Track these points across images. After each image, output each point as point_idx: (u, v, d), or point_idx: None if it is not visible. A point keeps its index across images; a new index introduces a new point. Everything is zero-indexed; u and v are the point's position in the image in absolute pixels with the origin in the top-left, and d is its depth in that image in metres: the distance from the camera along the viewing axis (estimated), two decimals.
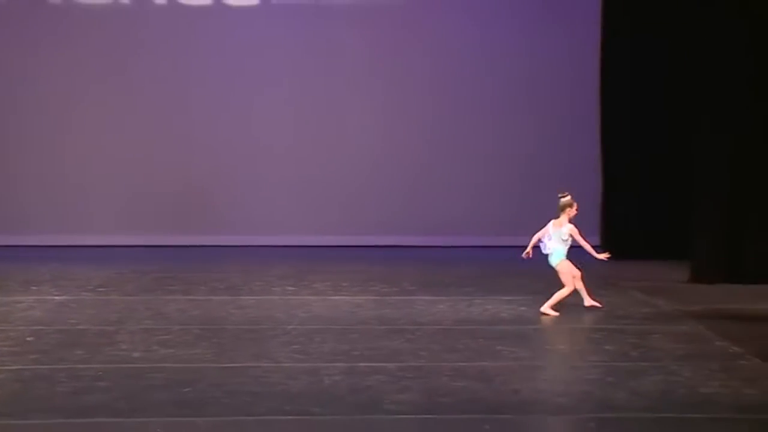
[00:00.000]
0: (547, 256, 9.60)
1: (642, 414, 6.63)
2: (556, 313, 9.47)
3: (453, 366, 7.77)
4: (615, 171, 13.08)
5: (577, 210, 9.49)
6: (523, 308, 9.91)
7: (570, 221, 9.53)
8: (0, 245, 13.28)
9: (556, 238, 9.50)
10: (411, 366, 7.76)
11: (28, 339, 8.54)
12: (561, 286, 9.58)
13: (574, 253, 9.79)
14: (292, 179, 13.96)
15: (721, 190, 11.52)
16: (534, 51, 13.66)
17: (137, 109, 13.86)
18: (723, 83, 11.46)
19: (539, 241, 9.62)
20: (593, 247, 9.78)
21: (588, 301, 9.70)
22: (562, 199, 9.53)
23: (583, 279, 9.75)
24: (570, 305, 9.87)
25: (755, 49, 11.23)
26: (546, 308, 9.50)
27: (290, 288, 10.98)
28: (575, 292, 9.68)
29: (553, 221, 9.58)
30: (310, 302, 10.24)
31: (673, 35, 12.74)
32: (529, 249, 9.70)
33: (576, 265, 9.69)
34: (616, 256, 12.62)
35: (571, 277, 9.54)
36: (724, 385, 7.29)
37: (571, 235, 9.52)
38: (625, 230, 12.96)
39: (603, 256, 9.61)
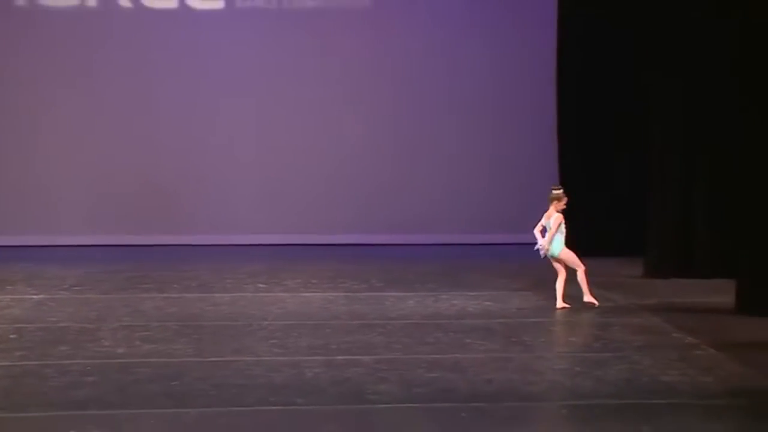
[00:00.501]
0: (537, 252, 9.80)
1: (609, 401, 6.97)
2: (566, 306, 9.69)
3: (426, 358, 8.06)
4: (571, 172, 13.21)
5: (565, 205, 9.71)
6: (488, 303, 10.21)
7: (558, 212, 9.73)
8: None
9: (549, 229, 9.72)
10: (386, 358, 8.04)
11: (12, 336, 8.69)
12: (552, 277, 9.85)
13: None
14: (258, 179, 14.08)
15: (673, 192, 11.87)
16: (495, 56, 13.91)
17: (103, 110, 13.88)
18: (673, 88, 11.78)
19: (542, 233, 9.76)
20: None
21: (560, 303, 9.81)
22: (553, 192, 9.79)
23: (566, 279, 9.92)
24: (537, 301, 10.25)
25: (717, 51, 11.52)
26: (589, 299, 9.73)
27: (262, 285, 11.15)
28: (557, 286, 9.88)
29: (545, 214, 9.80)
30: (282, 299, 10.45)
31: (629, 37, 12.93)
32: (541, 242, 9.80)
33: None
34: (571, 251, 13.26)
35: (578, 260, 9.72)
36: (682, 373, 7.67)
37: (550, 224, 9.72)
38: (581, 228, 13.21)
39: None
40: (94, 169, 13.87)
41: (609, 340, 8.71)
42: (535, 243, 9.91)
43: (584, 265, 9.93)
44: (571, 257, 9.85)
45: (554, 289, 9.95)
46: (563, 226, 9.82)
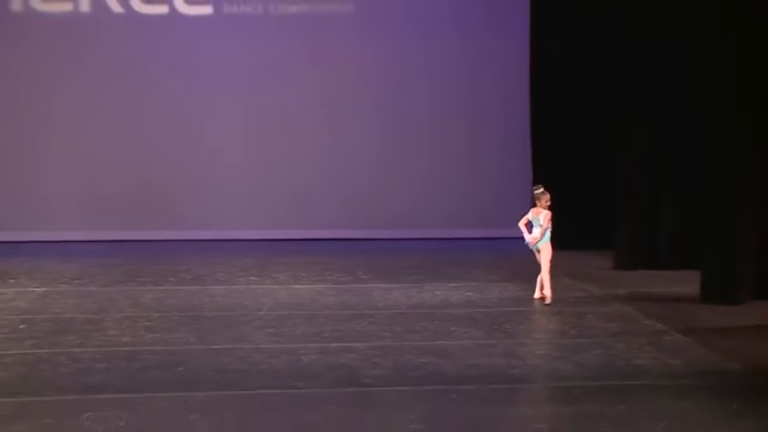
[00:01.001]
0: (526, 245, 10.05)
1: (587, 383, 7.31)
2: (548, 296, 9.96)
3: (416, 345, 8.36)
4: (544, 170, 13.32)
5: (548, 201, 9.95)
6: (469, 293, 10.49)
7: (548, 208, 9.99)
8: None
9: (536, 225, 9.98)
10: (378, 345, 8.33)
11: (21, 327, 8.90)
12: (529, 269, 10.19)
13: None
14: (245, 177, 14.19)
15: (640, 187, 12.14)
16: (470, 60, 14.11)
17: (98, 111, 13.97)
18: (642, 90, 12.02)
19: (527, 226, 9.98)
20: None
21: (538, 294, 10.06)
22: (535, 191, 10.11)
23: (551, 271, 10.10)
24: (515, 291, 10.57)
25: (682, 56, 11.70)
26: (539, 294, 9.98)
27: (253, 278, 11.34)
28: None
29: (532, 209, 10.04)
30: (274, 291, 10.66)
31: (601, 38, 13.19)
32: (527, 237, 10.01)
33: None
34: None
35: (549, 261, 9.96)
36: (653, 357, 8.03)
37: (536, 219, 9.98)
38: (553, 222, 13.43)
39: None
40: (88, 168, 13.96)
41: (585, 327, 9.03)
42: (521, 236, 10.07)
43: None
44: (546, 255, 10.06)
45: (531, 280, 10.27)
46: (544, 220, 10.05)
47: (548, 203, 10.03)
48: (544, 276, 10.05)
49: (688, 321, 9.25)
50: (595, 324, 9.15)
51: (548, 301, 9.95)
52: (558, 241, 13.33)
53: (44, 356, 7.96)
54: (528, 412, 6.76)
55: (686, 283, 10.69)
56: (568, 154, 13.49)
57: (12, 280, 11.03)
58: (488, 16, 14.18)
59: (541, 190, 10.07)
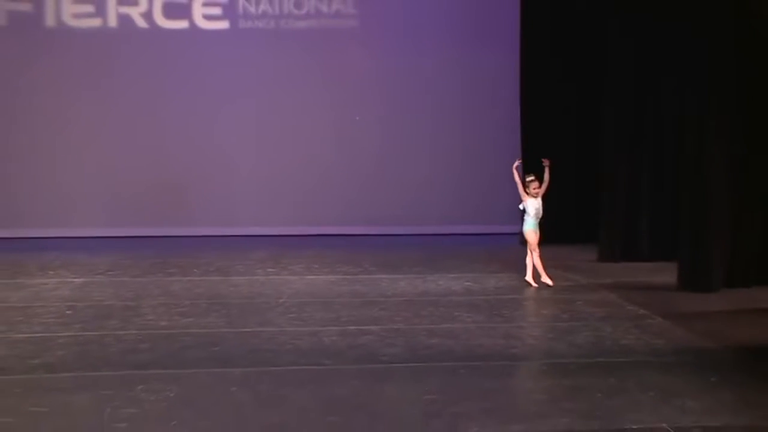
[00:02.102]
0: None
1: (580, 360, 7.71)
2: (550, 282, 10.50)
3: (425, 328, 8.76)
4: (533, 171, 13.74)
5: (535, 188, 10.52)
6: (468, 283, 10.89)
7: (534, 197, 10.53)
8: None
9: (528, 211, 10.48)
10: (391, 328, 8.73)
11: (67, 312, 9.28)
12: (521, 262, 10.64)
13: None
14: (258, 178, 14.50)
15: (622, 186, 12.51)
16: (464, 68, 14.47)
17: (122, 117, 14.29)
18: (624, 91, 12.34)
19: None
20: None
21: (529, 276, 10.59)
22: (526, 179, 10.61)
23: (541, 257, 10.65)
24: (510, 281, 10.97)
25: (663, 58, 12.07)
26: (545, 278, 10.48)
27: (270, 270, 11.70)
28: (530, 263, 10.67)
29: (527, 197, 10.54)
30: (291, 281, 11.03)
31: (586, 47, 13.59)
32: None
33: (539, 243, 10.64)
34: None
35: (535, 244, 10.47)
36: (637, 337, 8.44)
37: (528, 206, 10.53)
38: (542, 219, 13.78)
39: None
40: (113, 169, 14.27)
41: (575, 312, 9.44)
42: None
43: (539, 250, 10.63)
44: (531, 239, 10.53)
45: (524, 272, 10.72)
46: (537, 210, 10.50)
47: (536, 191, 10.47)
48: (536, 261, 10.51)
49: (668, 306, 9.65)
50: (584, 309, 9.56)
51: (550, 282, 10.44)
52: (546, 235, 13.82)
53: (93, 338, 8.35)
54: (528, 384, 7.17)
55: (664, 273, 11.11)
56: (555, 156, 13.51)
57: (51, 272, 11.35)
58: (481, 27, 14.49)
59: (531, 178, 10.52)
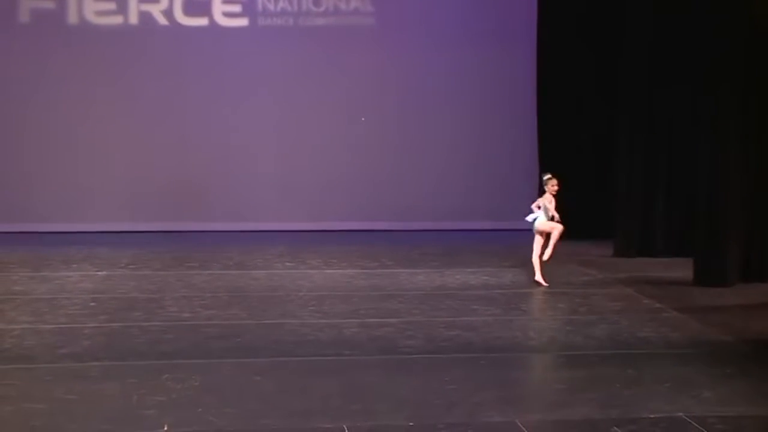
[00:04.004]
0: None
1: (597, 351, 7.84)
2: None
3: (444, 320, 8.86)
4: (550, 169, 13.78)
5: (554, 186, 10.38)
6: (485, 277, 10.95)
7: (552, 194, 10.46)
8: (21, 232, 13.72)
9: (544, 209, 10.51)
10: (410, 321, 8.83)
11: (92, 304, 9.41)
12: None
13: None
14: (276, 174, 14.51)
15: (637, 183, 12.53)
16: (480, 64, 14.43)
17: (143, 114, 14.32)
18: (640, 91, 12.37)
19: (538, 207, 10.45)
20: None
21: (538, 276, 10.50)
22: (543, 178, 10.64)
23: (540, 257, 10.56)
24: (527, 276, 11.01)
25: (680, 61, 12.06)
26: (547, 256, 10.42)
27: (289, 264, 11.78)
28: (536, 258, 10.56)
29: (543, 197, 10.56)
30: (310, 275, 11.10)
31: (601, 47, 13.60)
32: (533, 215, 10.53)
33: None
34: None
35: (544, 233, 10.45)
36: (654, 330, 8.57)
37: (545, 204, 10.45)
38: (559, 215, 13.77)
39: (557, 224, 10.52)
40: (134, 165, 14.31)
41: (592, 305, 9.54)
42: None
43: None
44: (546, 227, 10.42)
45: (532, 269, 10.62)
46: (550, 204, 10.48)
47: (554, 188, 10.45)
48: (535, 254, 10.42)
49: (684, 301, 9.76)
50: (600, 303, 9.66)
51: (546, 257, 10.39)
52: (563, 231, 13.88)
53: (118, 328, 8.50)
54: (547, 375, 7.28)
55: (679, 268, 11.18)
56: (571, 154, 13.85)
57: (75, 265, 11.47)
58: (497, 24, 14.48)
59: (548, 176, 10.55)
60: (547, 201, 10.50)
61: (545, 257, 10.47)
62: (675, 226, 12.39)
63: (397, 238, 13.85)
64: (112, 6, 14.37)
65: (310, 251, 12.66)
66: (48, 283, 10.43)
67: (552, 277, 10.82)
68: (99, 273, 11.02)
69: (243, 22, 14.52)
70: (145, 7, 14.37)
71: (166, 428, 5.98)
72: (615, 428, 6.01)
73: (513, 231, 13.73)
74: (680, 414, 6.28)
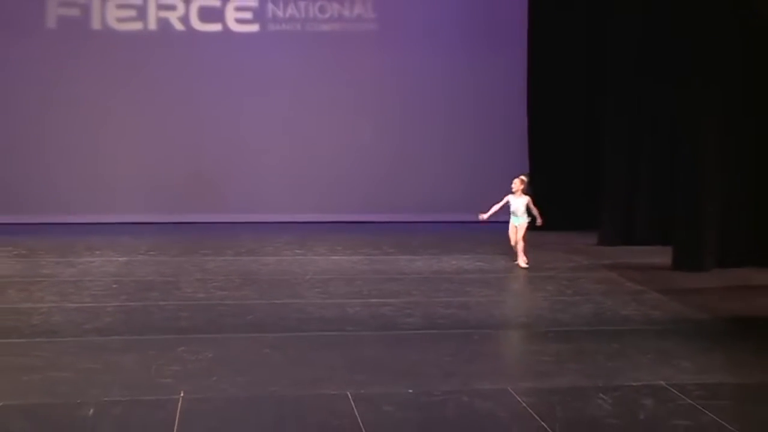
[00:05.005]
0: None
1: (583, 328, 7.86)
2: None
3: (440, 301, 8.85)
4: (539, 164, 13.93)
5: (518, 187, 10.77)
6: (479, 263, 10.96)
7: (525, 194, 10.79)
8: (48, 222, 13.73)
9: (515, 206, 10.77)
10: (409, 301, 8.82)
11: (113, 286, 9.40)
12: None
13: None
14: (285, 169, 14.48)
15: (620, 176, 12.52)
16: (475, 67, 14.43)
17: (160, 112, 14.31)
18: (625, 93, 12.34)
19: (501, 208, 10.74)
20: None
21: (524, 262, 10.70)
22: (522, 178, 10.89)
23: (525, 240, 10.80)
24: (513, 263, 11.05)
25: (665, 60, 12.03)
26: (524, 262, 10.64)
27: (297, 251, 11.77)
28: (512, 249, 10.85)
29: (511, 195, 10.83)
30: (316, 261, 11.10)
31: (589, 50, 13.60)
32: (487, 215, 10.79)
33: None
34: (539, 226, 13.89)
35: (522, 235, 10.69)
36: (636, 309, 8.58)
37: (527, 204, 10.75)
38: (546, 206, 13.80)
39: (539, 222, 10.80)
40: (152, 160, 14.30)
41: (578, 288, 9.55)
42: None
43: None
44: (522, 231, 10.78)
45: (530, 254, 10.82)
46: (517, 208, 10.78)
47: (519, 189, 10.77)
48: (521, 246, 10.69)
49: (664, 284, 9.76)
50: (586, 286, 9.66)
51: (525, 265, 10.59)
52: (550, 222, 13.94)
53: (137, 307, 8.49)
54: (537, 348, 7.25)
55: (660, 255, 11.17)
56: (560, 151, 13.87)
57: (98, 252, 11.47)
58: (491, 30, 14.45)
59: (523, 178, 10.80)
60: (524, 200, 10.72)
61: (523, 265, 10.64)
62: (655, 217, 12.35)
63: (398, 228, 13.83)
64: (133, 13, 14.36)
65: (316, 240, 12.66)
66: (73, 267, 10.43)
67: (541, 263, 10.91)
68: (120, 259, 11.02)
69: (254, 27, 14.50)
70: (163, 14, 14.37)
71: (182, 394, 5.99)
72: (601, 395, 6.01)
73: (506, 223, 13.74)
74: (661, 382, 6.28)
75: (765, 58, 10.58)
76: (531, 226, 10.86)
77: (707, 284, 9.85)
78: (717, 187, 10.72)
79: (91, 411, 5.66)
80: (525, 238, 10.82)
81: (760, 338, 7.56)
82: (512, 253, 10.88)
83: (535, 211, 10.77)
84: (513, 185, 10.89)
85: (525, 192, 10.84)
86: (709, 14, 10.60)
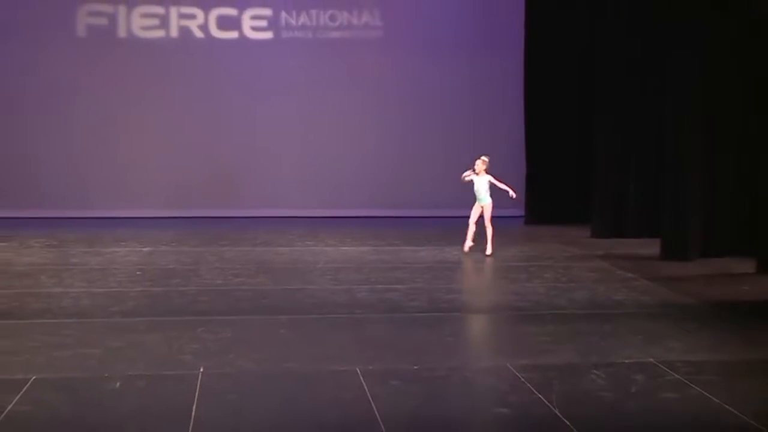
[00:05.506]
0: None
1: (578, 311, 7.82)
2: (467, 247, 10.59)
3: (443, 287, 8.81)
4: (535, 162, 13.89)
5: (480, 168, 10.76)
6: (479, 253, 10.79)
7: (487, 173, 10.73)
8: (77, 217, 13.65)
9: (479, 184, 10.74)
10: (414, 287, 8.78)
11: (137, 273, 9.39)
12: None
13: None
14: (298, 167, 14.40)
15: (611, 173, 12.43)
16: (474, 72, 14.32)
17: (181, 115, 14.25)
18: (614, 90, 12.20)
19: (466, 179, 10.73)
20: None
21: (470, 244, 10.70)
22: (483, 158, 10.91)
23: (492, 225, 10.74)
24: (516, 252, 10.99)
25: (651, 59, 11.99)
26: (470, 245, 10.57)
27: (309, 242, 11.73)
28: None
29: (474, 170, 10.85)
30: (327, 251, 11.06)
31: (582, 55, 13.47)
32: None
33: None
34: (537, 220, 13.86)
35: (489, 217, 10.67)
36: (626, 295, 8.53)
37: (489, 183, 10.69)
38: (543, 202, 13.76)
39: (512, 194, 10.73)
40: (174, 159, 14.24)
41: (572, 276, 9.49)
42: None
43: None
44: (488, 211, 10.68)
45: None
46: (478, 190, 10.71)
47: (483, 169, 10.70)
48: (489, 231, 10.55)
49: (652, 272, 9.71)
50: (580, 274, 9.62)
51: (489, 252, 10.47)
52: (546, 216, 13.89)
53: (160, 292, 8.48)
54: (534, 330, 7.21)
55: (649, 247, 11.12)
56: (554, 148, 13.79)
57: (123, 243, 11.45)
58: (490, 36, 14.35)
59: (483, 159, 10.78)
60: (487, 179, 10.70)
61: (488, 252, 10.57)
62: (644, 211, 12.26)
63: (404, 222, 13.76)
64: (156, 22, 14.35)
65: (327, 233, 12.62)
66: (100, 256, 10.42)
67: (537, 254, 10.87)
68: (144, 249, 11.00)
69: (268, 35, 14.46)
70: (184, 23, 14.35)
71: (202, 370, 5.97)
72: (594, 371, 5.97)
73: (503, 217, 13.71)
74: (651, 359, 6.24)
75: (752, 56, 10.50)
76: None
77: (692, 272, 9.79)
78: (701, 184, 10.65)
79: (118, 384, 5.65)
80: (492, 223, 10.69)
81: (742, 320, 7.54)
82: (463, 240, 10.76)
83: (503, 186, 10.64)
84: (476, 166, 10.83)
85: (487, 171, 10.74)
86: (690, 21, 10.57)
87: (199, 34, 14.35)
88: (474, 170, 10.83)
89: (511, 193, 10.68)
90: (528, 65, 13.97)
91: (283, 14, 14.48)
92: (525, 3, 13.88)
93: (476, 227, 10.77)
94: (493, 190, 10.92)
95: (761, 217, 9.98)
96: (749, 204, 10.59)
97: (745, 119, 10.70)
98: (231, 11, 14.39)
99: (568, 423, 5.04)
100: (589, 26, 13.21)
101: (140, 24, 14.30)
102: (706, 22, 10.45)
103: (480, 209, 10.77)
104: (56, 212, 13.77)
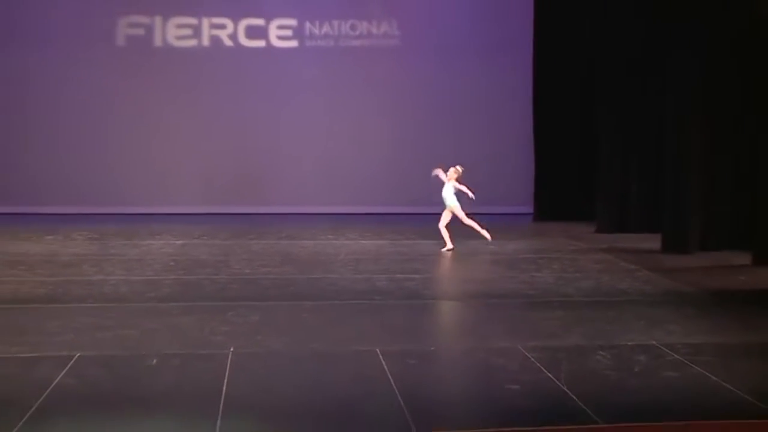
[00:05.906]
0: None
1: (584, 299, 7.82)
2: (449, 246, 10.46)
3: (458, 276, 8.89)
4: (543, 162, 13.88)
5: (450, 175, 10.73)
6: (491, 247, 10.79)
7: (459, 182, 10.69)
8: (116, 213, 13.73)
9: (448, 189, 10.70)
10: (430, 276, 8.86)
11: (171, 263, 9.47)
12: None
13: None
14: (320, 167, 14.46)
15: (615, 172, 12.39)
16: (485, 75, 14.34)
17: (211, 118, 14.34)
18: (617, 93, 12.16)
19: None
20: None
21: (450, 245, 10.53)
22: (458, 168, 10.81)
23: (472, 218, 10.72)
24: (525, 246, 10.96)
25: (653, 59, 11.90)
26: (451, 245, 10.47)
27: (330, 236, 11.76)
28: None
29: (448, 176, 10.82)
30: (348, 244, 11.09)
31: (589, 58, 13.37)
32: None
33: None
34: (545, 217, 13.81)
35: (463, 215, 10.61)
36: (630, 284, 8.52)
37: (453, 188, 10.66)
38: (550, 199, 13.73)
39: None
40: (205, 159, 14.34)
41: (579, 267, 9.48)
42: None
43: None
44: (459, 211, 10.65)
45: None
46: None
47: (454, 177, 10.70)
48: (471, 224, 10.59)
49: (654, 264, 9.68)
50: (586, 265, 9.60)
51: (489, 237, 10.50)
52: (554, 212, 13.85)
53: (192, 280, 8.55)
54: (544, 315, 7.21)
55: (650, 241, 11.07)
56: (562, 149, 13.74)
57: (158, 236, 11.55)
58: (500, 42, 14.35)
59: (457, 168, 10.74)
60: (458, 185, 10.65)
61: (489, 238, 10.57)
62: (646, 208, 12.21)
63: (419, 219, 13.45)
64: (189, 32, 14.47)
65: (348, 228, 12.62)
66: (137, 248, 10.51)
67: (546, 247, 10.85)
68: (177, 242, 11.09)
69: (293, 43, 14.56)
70: (215, 32, 14.48)
71: (232, 350, 6.02)
72: (600, 352, 5.97)
73: (512, 214, 13.74)
74: (653, 342, 6.23)
75: (748, 57, 10.42)
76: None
77: (692, 264, 9.76)
78: (701, 183, 10.59)
79: (154, 361, 5.72)
80: (471, 217, 10.67)
81: (739, 307, 7.51)
82: (440, 237, 10.70)
83: (463, 188, 10.60)
84: (449, 172, 10.79)
85: (459, 181, 10.65)
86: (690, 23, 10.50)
87: (228, 42, 14.45)
88: (446, 173, 10.75)
89: (470, 194, 10.62)
90: (537, 69, 13.94)
91: (308, 24, 14.55)
92: (534, 9, 13.85)
93: (449, 231, 10.65)
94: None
95: (760, 216, 9.89)
96: (749, 203, 10.48)
97: (744, 119, 10.62)
98: (259, 21, 14.49)
99: (575, 398, 5.05)
100: (593, 33, 13.17)
101: (175, 34, 14.42)
102: (706, 22, 10.39)
103: (450, 214, 10.70)
104: (97, 208, 13.91)
